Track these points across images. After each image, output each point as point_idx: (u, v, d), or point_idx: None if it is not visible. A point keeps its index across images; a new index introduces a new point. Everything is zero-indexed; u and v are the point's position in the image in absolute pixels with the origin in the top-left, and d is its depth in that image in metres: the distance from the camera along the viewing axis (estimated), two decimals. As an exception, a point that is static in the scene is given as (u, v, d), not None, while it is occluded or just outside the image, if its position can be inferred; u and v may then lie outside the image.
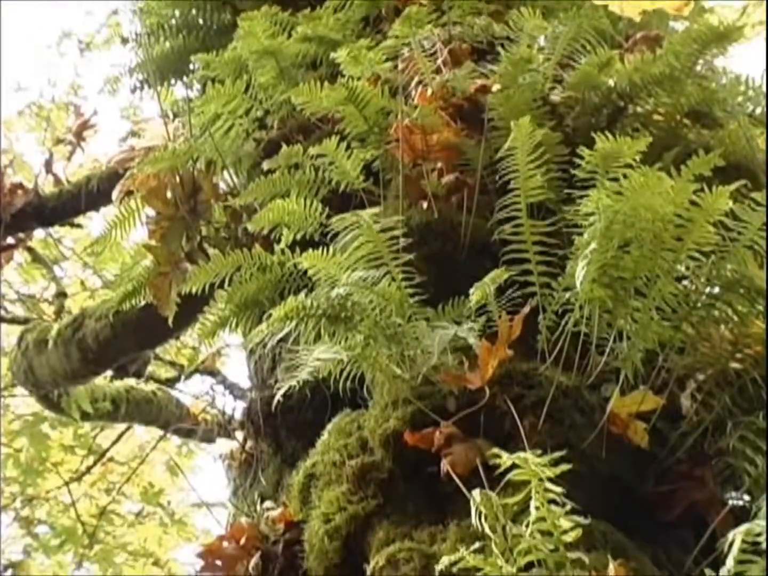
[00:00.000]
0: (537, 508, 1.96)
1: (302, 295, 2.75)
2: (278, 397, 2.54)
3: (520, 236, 2.79)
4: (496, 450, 2.04)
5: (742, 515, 2.34)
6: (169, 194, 3.96)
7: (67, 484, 8.71)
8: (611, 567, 1.94)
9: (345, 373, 2.72)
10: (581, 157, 2.70)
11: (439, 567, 2.00)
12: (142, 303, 4.17)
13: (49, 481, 9.27)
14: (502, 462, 2.01)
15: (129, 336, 4.73)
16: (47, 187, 6.16)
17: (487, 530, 2.03)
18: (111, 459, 9.64)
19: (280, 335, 2.69)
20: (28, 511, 9.49)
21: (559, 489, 1.96)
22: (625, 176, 2.48)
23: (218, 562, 2.90)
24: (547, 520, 1.94)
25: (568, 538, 1.95)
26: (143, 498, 9.83)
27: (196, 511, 9.58)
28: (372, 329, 2.63)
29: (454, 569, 2.12)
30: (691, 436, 2.48)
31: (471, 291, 2.70)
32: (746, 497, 2.44)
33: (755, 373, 2.43)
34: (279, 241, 3.38)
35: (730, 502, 2.42)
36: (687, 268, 2.50)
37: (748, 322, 2.45)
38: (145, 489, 9.73)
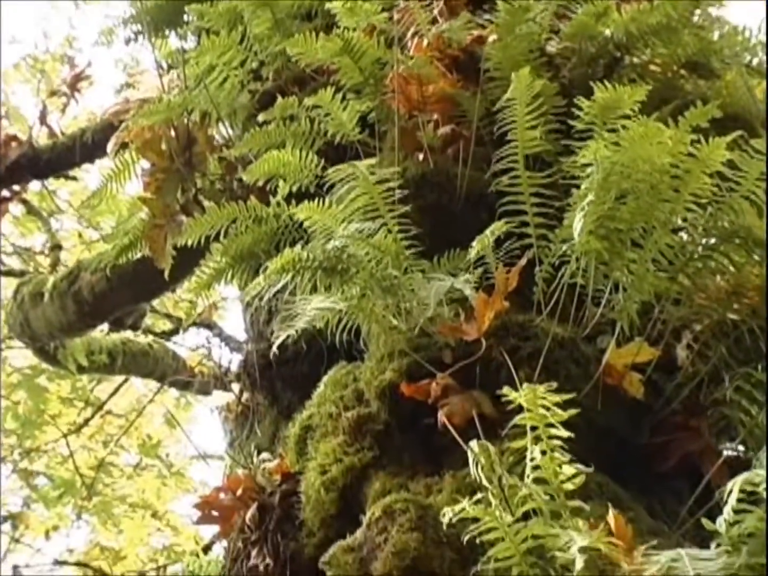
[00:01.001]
0: (542, 453, 1.94)
1: (298, 247, 2.74)
2: (276, 345, 2.52)
3: (517, 188, 2.77)
4: (507, 389, 2.02)
5: (736, 466, 2.33)
6: (164, 146, 3.93)
7: (65, 436, 8.72)
8: (610, 514, 1.93)
9: (341, 325, 2.71)
10: (578, 109, 2.66)
11: (445, 520, 1.99)
12: (138, 256, 4.15)
13: (48, 433, 9.29)
14: (513, 397, 1.99)
15: (125, 289, 4.71)
16: (42, 140, 6.12)
17: (483, 481, 2.02)
18: (109, 412, 9.66)
19: (277, 288, 2.68)
20: (27, 463, 9.52)
21: (565, 434, 1.95)
22: (623, 127, 2.45)
23: (215, 513, 2.91)
24: (548, 468, 1.93)
25: (570, 486, 1.94)
26: (141, 450, 9.87)
27: (194, 463, 9.63)
28: (368, 281, 2.61)
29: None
30: (687, 387, 2.48)
31: (473, 243, 2.67)
32: (741, 448, 2.44)
33: (752, 323, 2.42)
34: (275, 193, 3.35)
35: (725, 452, 2.42)
36: (684, 219, 2.47)
37: (744, 273, 2.43)
38: (144, 441, 9.76)
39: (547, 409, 1.99)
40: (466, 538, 1.99)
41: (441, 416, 2.48)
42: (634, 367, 2.49)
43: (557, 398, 1.99)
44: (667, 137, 2.38)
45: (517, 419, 2.04)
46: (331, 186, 2.93)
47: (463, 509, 1.95)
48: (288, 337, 2.53)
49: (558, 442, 1.99)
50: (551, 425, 1.99)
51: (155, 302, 7.77)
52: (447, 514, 1.99)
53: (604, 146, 2.39)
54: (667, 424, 2.47)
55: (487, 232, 2.67)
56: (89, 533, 9.82)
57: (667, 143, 2.38)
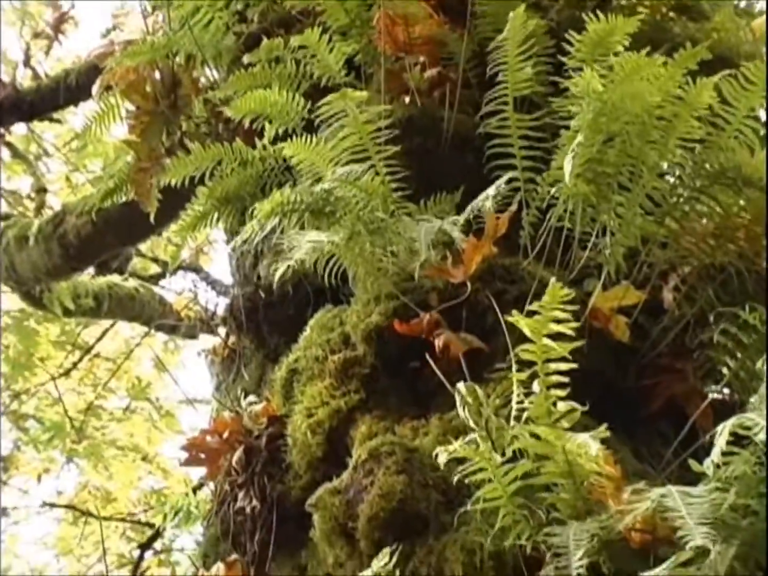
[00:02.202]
0: (539, 390, 1.92)
1: (286, 189, 2.71)
2: (277, 278, 2.48)
3: (506, 131, 2.72)
4: (515, 313, 2.00)
5: (721, 408, 2.33)
6: (148, 89, 3.86)
7: (53, 379, 8.70)
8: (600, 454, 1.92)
9: (329, 268, 2.68)
10: (568, 48, 2.61)
11: (441, 459, 1.98)
12: (124, 199, 4.10)
13: (38, 376, 9.27)
14: (517, 322, 1.97)
15: (110, 232, 4.67)
16: (26, 82, 6.02)
17: (471, 423, 2.01)
18: (97, 355, 9.63)
19: (265, 232, 2.65)
20: (16, 406, 9.51)
21: (566, 366, 1.93)
22: (616, 60, 2.39)
23: (202, 456, 2.89)
24: (541, 406, 1.90)
25: (565, 424, 1.92)
26: (130, 394, 9.86)
27: (183, 406, 9.63)
28: (355, 224, 2.58)
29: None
30: (673, 331, 2.46)
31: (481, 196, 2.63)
32: (726, 390, 2.43)
33: (739, 265, 2.40)
34: (260, 136, 3.30)
35: (710, 395, 2.40)
36: (671, 163, 2.44)
37: (732, 215, 2.40)
38: (133, 384, 9.75)
39: (552, 338, 1.97)
40: (455, 478, 1.97)
41: (438, 343, 2.47)
42: (620, 310, 2.47)
43: (562, 327, 1.97)
44: (659, 71, 2.33)
45: (518, 349, 2.01)
46: (319, 125, 2.88)
47: (455, 450, 1.93)
48: (283, 274, 2.49)
49: (555, 378, 1.98)
50: (550, 360, 1.96)
51: (142, 246, 7.73)
52: (440, 455, 1.97)
53: (596, 79, 2.33)
54: (652, 367, 2.46)
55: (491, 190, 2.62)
56: (78, 476, 9.84)
57: (659, 79, 2.33)
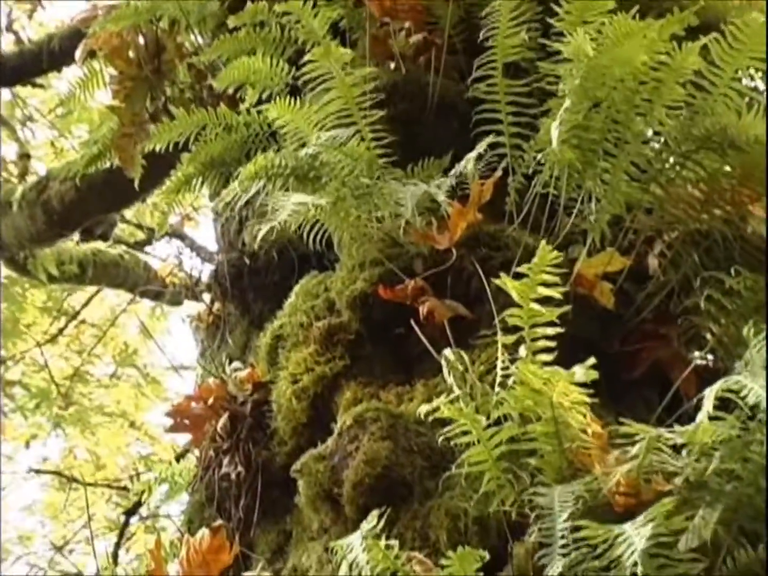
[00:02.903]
0: (526, 355, 1.91)
1: (270, 152, 2.68)
2: (259, 238, 2.46)
3: (494, 96, 2.69)
4: (503, 276, 1.98)
5: (705, 374, 2.32)
6: (132, 54, 3.82)
7: (39, 345, 8.66)
8: (589, 418, 1.91)
9: (313, 234, 2.65)
10: (558, 10, 2.58)
11: (418, 411, 1.97)
12: (108, 165, 4.06)
13: (25, 342, 9.23)
14: (505, 286, 1.95)
15: (94, 198, 4.63)
16: (8, 47, 5.96)
17: (455, 388, 2.00)
18: (83, 321, 9.59)
19: (249, 195, 2.62)
20: (3, 372, 9.47)
21: (553, 330, 1.92)
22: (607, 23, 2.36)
23: (186, 422, 2.88)
24: (525, 372, 1.89)
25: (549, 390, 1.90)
26: (116, 360, 9.83)
27: (170, 373, 9.61)
28: (340, 189, 2.55)
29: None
30: (658, 297, 2.45)
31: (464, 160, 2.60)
32: (710, 356, 2.42)
33: (724, 232, 2.38)
34: (245, 101, 3.26)
35: (694, 361, 2.39)
36: (657, 131, 2.41)
37: (718, 180, 2.38)
38: (121, 351, 9.72)
39: (539, 303, 1.95)
40: (440, 440, 1.97)
41: (423, 310, 2.45)
42: (605, 276, 2.46)
43: (549, 291, 1.96)
44: (650, 36, 2.29)
45: (505, 314, 2.00)
46: (304, 91, 2.85)
47: (438, 408, 1.92)
48: (267, 238, 2.47)
49: (542, 343, 1.96)
50: (536, 325, 1.95)
51: (128, 213, 7.68)
52: (422, 411, 1.96)
53: (587, 42, 2.30)
54: (637, 333, 2.45)
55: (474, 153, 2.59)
56: (64, 442, 9.82)
57: (646, 38, 2.30)
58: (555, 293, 1.98)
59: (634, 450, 1.79)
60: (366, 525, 1.90)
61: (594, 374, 1.84)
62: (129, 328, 9.93)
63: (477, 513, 2.06)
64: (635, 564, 1.51)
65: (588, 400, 1.88)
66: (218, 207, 2.78)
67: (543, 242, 1.95)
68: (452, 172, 2.59)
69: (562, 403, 1.86)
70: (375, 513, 1.91)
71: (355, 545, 1.87)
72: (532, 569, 1.89)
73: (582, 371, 1.82)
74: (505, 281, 1.96)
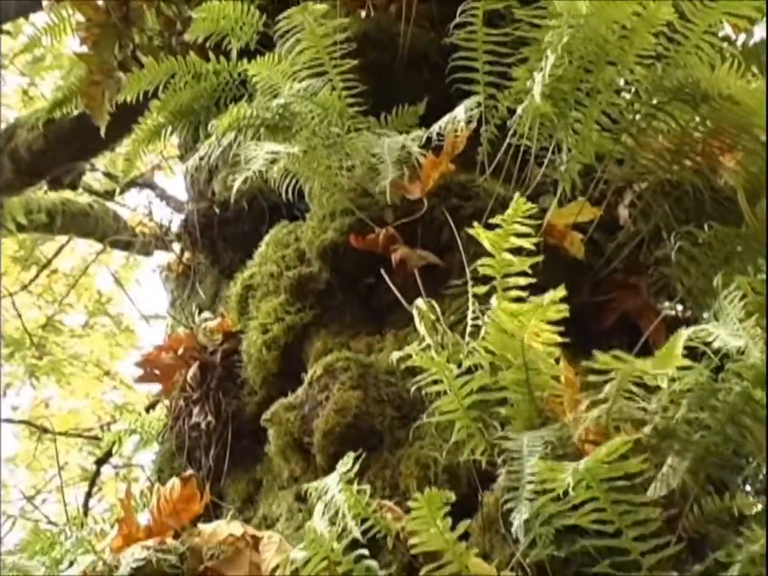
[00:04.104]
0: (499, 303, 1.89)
1: (243, 104, 2.64)
2: (236, 186, 2.42)
3: (472, 44, 2.64)
4: (476, 226, 1.95)
5: (674, 324, 2.31)
6: (99, 0, 3.73)
7: (11, 294, 8.58)
8: (561, 365, 1.90)
9: (285, 183, 2.61)
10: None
11: (390, 359, 1.95)
12: (76, 113, 3.99)
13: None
14: (478, 236, 1.93)
15: (62, 147, 4.55)
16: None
17: (427, 338, 1.98)
18: (55, 271, 9.51)
19: (221, 148, 2.58)
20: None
21: (525, 281, 1.90)
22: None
23: (156, 372, 2.85)
24: (498, 321, 1.87)
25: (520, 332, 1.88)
26: (89, 311, 9.76)
27: (142, 323, 9.54)
28: (311, 138, 2.52)
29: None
30: (628, 247, 2.43)
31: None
32: (679, 307, 2.41)
33: (695, 182, 2.36)
34: (214, 50, 3.20)
35: (664, 311, 2.39)
36: (628, 80, 2.38)
37: (689, 131, 2.36)
38: (95, 300, 9.65)
39: (512, 252, 1.93)
40: (412, 390, 1.95)
41: (395, 258, 2.44)
42: (575, 226, 2.44)
43: (524, 241, 1.93)
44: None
45: (477, 263, 1.98)
46: (276, 38, 2.80)
47: (410, 356, 1.90)
48: (239, 188, 2.43)
49: (514, 293, 1.95)
50: (508, 275, 1.93)
51: (101, 163, 7.58)
52: (393, 358, 1.94)
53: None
54: (607, 283, 2.44)
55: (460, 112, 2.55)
56: (35, 392, 9.77)
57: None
58: (527, 244, 1.96)
59: (604, 391, 1.78)
60: (342, 467, 1.89)
61: (563, 292, 1.79)
62: (102, 278, 9.86)
63: (447, 462, 2.05)
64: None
65: (559, 339, 1.86)
66: (192, 160, 2.73)
67: (517, 194, 1.93)
68: (435, 127, 2.56)
69: (533, 347, 1.83)
70: (351, 455, 1.90)
71: (331, 486, 1.85)
72: (500, 516, 1.88)
73: (550, 294, 1.78)
74: (478, 231, 1.93)
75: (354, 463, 1.89)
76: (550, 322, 1.83)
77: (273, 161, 2.43)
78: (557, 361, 1.89)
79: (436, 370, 1.86)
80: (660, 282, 2.38)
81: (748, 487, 1.88)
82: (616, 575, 1.65)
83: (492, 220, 1.96)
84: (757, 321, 1.84)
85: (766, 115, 2.21)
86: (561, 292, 1.78)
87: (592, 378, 1.80)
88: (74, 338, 9.78)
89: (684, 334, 1.69)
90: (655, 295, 2.41)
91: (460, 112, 2.49)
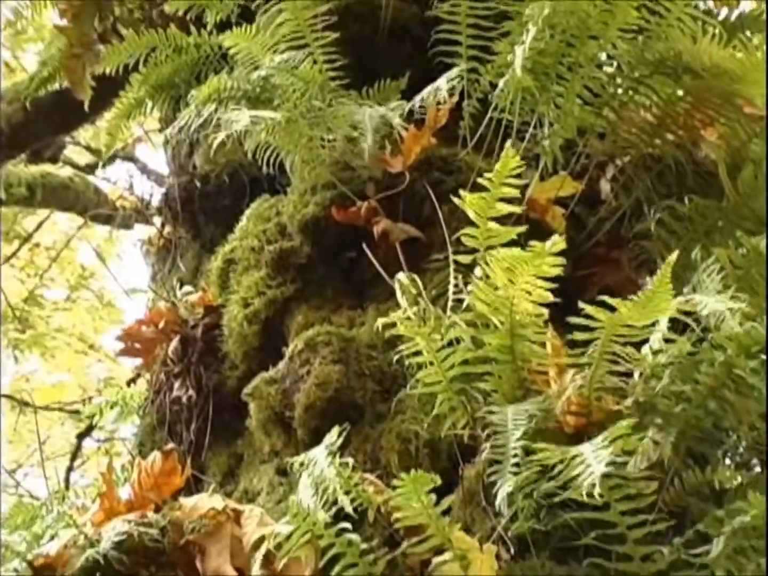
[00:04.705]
0: (486, 277, 1.86)
1: (224, 75, 2.61)
2: (215, 146, 2.39)
3: (455, 17, 2.60)
4: (463, 194, 1.92)
5: (655, 299, 2.30)
6: (78, -28, 3.68)
7: (-7, 267, 8.50)
8: (548, 334, 1.88)
9: (266, 156, 2.58)
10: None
11: (375, 325, 1.93)
12: (57, 86, 3.93)
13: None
14: (463, 204, 1.90)
15: (42, 120, 4.49)
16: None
17: (409, 311, 1.96)
18: (37, 245, 9.44)
19: (201, 120, 2.55)
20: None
21: (509, 253, 1.87)
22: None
23: (137, 346, 2.82)
24: (482, 293, 1.84)
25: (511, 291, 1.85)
26: (70, 284, 9.70)
27: (126, 298, 9.47)
28: (292, 111, 2.48)
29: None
30: (609, 221, 2.42)
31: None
32: (660, 280, 2.39)
33: (677, 156, 2.34)
34: (194, 22, 3.15)
35: (644, 285, 2.37)
36: (613, 46, 2.35)
37: (671, 105, 2.34)
38: (79, 275, 9.59)
39: (498, 222, 1.90)
40: (395, 360, 1.93)
41: (377, 231, 2.42)
42: (557, 200, 2.42)
43: (511, 207, 1.91)
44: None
45: (461, 233, 1.96)
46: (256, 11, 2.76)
47: (393, 324, 1.88)
48: (218, 155, 2.40)
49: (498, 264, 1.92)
50: (492, 246, 1.90)
51: (81, 136, 7.49)
52: (378, 324, 1.92)
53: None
54: (588, 257, 2.42)
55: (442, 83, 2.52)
56: (17, 366, 9.72)
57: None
58: (514, 209, 1.93)
59: (587, 354, 1.76)
60: (327, 440, 1.87)
61: (563, 244, 1.76)
62: (85, 252, 9.79)
63: (428, 436, 2.04)
64: (593, 485, 1.49)
65: (551, 297, 1.83)
66: (171, 131, 2.69)
67: (508, 143, 1.90)
68: (417, 98, 2.53)
69: (522, 308, 1.81)
70: (336, 429, 1.88)
71: (318, 459, 1.83)
72: (482, 490, 1.87)
73: (552, 242, 1.75)
74: (464, 197, 1.91)
75: (339, 437, 1.87)
76: (544, 278, 1.79)
77: (254, 124, 2.39)
78: (545, 323, 1.86)
79: (419, 340, 1.84)
80: (641, 256, 2.36)
81: (728, 461, 1.88)
82: (599, 548, 1.64)
83: (480, 180, 1.92)
84: (736, 293, 1.84)
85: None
86: (561, 242, 1.74)
87: (577, 336, 1.78)
88: (57, 312, 9.72)
89: (669, 268, 1.67)
90: (636, 270, 2.39)
91: (442, 82, 2.46)
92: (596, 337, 1.76)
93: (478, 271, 1.90)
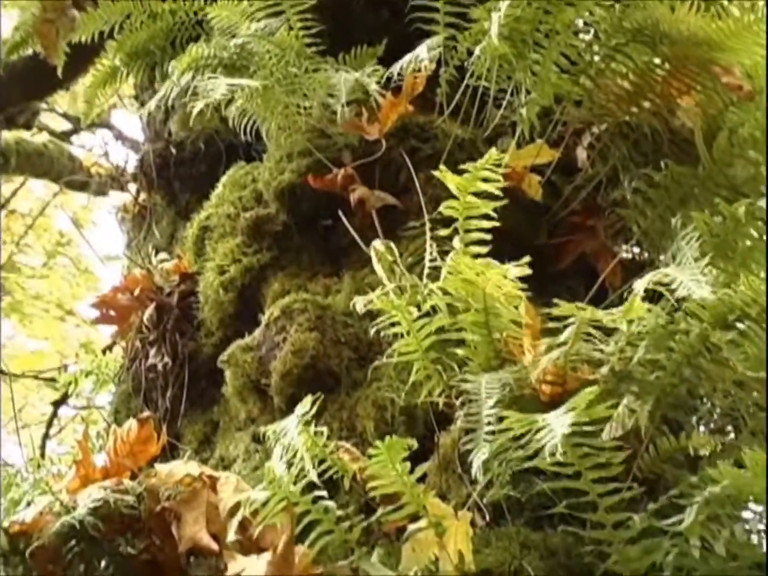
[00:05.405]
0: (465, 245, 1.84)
1: (201, 44, 2.57)
2: (195, 112, 2.35)
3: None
4: (443, 168, 1.90)
5: (631, 266, 2.29)
6: (53, -65, 3.60)
7: (-32, 236, 8.43)
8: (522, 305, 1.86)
9: (242, 123, 2.54)
10: None
11: (359, 307, 1.90)
12: (30, 51, 3.86)
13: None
14: (444, 179, 1.88)
15: (15, 85, 4.40)
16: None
17: (385, 279, 1.94)
18: (13, 211, 9.35)
19: (180, 88, 2.51)
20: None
21: (489, 224, 1.86)
22: None
23: (112, 313, 2.79)
24: (457, 263, 1.82)
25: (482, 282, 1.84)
26: (47, 251, 9.63)
27: (102, 264, 9.40)
28: (268, 78, 2.45)
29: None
30: (585, 189, 2.40)
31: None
32: (635, 249, 2.38)
33: (654, 123, 2.32)
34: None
35: (620, 253, 2.36)
36: (590, 13, 2.33)
37: (647, 73, 2.31)
38: (57, 242, 9.51)
39: (479, 196, 1.88)
40: (372, 332, 1.91)
41: (353, 198, 2.40)
42: (533, 168, 2.40)
43: (491, 186, 1.89)
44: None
45: (442, 206, 1.94)
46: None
47: (371, 301, 1.86)
48: (195, 120, 2.37)
49: (477, 235, 1.90)
50: (471, 217, 1.88)
51: (58, 104, 7.40)
52: (358, 304, 1.90)
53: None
54: (564, 225, 2.41)
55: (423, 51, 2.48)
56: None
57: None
58: (495, 189, 1.91)
59: (563, 335, 1.75)
60: (300, 409, 1.85)
61: (527, 270, 1.78)
62: (62, 219, 9.71)
63: (404, 404, 2.03)
64: (556, 451, 1.48)
65: (522, 294, 1.83)
66: (150, 101, 2.65)
67: (493, 150, 1.90)
68: (396, 66, 2.49)
69: (495, 295, 1.80)
70: (308, 399, 1.86)
71: (290, 429, 1.82)
72: (457, 457, 1.86)
73: (517, 269, 1.77)
74: (445, 174, 1.89)
75: (312, 406, 1.85)
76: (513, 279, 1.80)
77: (232, 91, 2.36)
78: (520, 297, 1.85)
79: (396, 313, 1.82)
80: (617, 224, 2.35)
81: (702, 428, 1.88)
82: (573, 515, 1.63)
83: (461, 167, 1.90)
84: (712, 261, 1.82)
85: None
86: (526, 270, 1.76)
87: (551, 325, 1.77)
88: (34, 279, 9.65)
89: (645, 279, 1.66)
90: (612, 237, 2.38)
91: (422, 50, 2.43)
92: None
93: (456, 242, 1.88)
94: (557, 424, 1.52)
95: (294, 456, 1.77)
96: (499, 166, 1.90)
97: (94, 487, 2.06)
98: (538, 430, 1.55)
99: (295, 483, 1.72)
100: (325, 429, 1.83)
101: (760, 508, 1.60)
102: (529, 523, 1.77)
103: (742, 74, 2.32)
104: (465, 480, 1.83)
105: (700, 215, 1.92)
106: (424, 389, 1.90)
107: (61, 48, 3.47)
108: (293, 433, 1.80)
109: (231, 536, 1.85)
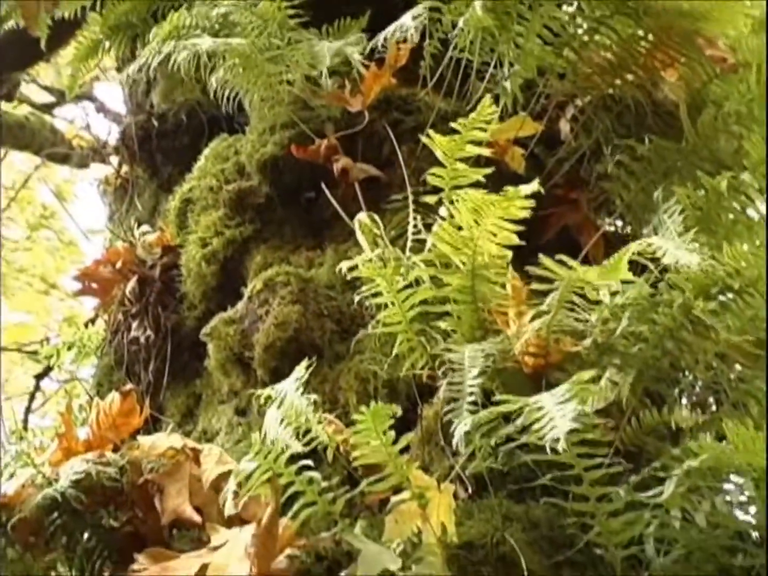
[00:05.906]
0: (451, 217, 1.81)
1: (183, 11, 2.54)
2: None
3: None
4: (432, 134, 1.87)
5: (613, 239, 2.28)
6: None
7: (-49, 210, 8.36)
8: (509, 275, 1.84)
9: (225, 95, 2.51)
10: None
11: (334, 265, 1.88)
12: (12, 24, 3.81)
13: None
14: (432, 144, 1.85)
15: (-3, 57, 4.36)
16: None
17: (368, 251, 1.92)
18: (-6, 182, 9.27)
19: (161, 57, 2.48)
20: None
21: (478, 194, 1.83)
22: None
23: (94, 286, 2.76)
24: (445, 232, 1.80)
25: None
26: (30, 224, 9.57)
27: (86, 239, 9.35)
28: (251, 48, 2.42)
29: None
30: (569, 162, 2.38)
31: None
32: (618, 222, 2.37)
33: (637, 96, 2.31)
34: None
35: (603, 226, 2.35)
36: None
37: (631, 45, 2.29)
38: (40, 215, 9.45)
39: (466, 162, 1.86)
40: (356, 300, 1.89)
41: (337, 168, 2.38)
42: (516, 141, 2.39)
43: (480, 150, 1.88)
44: None
45: (427, 173, 1.92)
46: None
47: (356, 266, 1.84)
48: (177, 95, 2.34)
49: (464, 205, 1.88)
50: (458, 186, 1.86)
51: (44, 80, 7.33)
52: (342, 267, 1.88)
53: None
54: (547, 198, 2.35)
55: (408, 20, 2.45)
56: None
57: None
58: (483, 151, 1.89)
59: (546, 302, 1.73)
60: (296, 373, 1.83)
61: (537, 187, 1.75)
62: (45, 192, 9.63)
63: (387, 376, 2.02)
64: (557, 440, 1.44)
65: (516, 239, 1.79)
66: (131, 70, 2.62)
67: (487, 96, 1.87)
68: (381, 36, 2.46)
69: (485, 250, 1.77)
70: (304, 363, 1.83)
71: (289, 392, 1.79)
72: (440, 429, 1.85)
73: (529, 186, 1.73)
74: (433, 138, 1.86)
75: (307, 370, 1.82)
76: (511, 221, 1.76)
77: (214, 47, 2.33)
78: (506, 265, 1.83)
79: (380, 281, 1.80)
80: (600, 197, 2.33)
81: (684, 400, 1.87)
82: (556, 488, 1.62)
83: (452, 125, 1.87)
84: (696, 234, 1.81)
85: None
86: (535, 186, 1.72)
87: (535, 286, 1.75)
88: (18, 252, 9.59)
89: (631, 247, 1.64)
90: (595, 211, 2.37)
91: (407, 20, 2.40)
92: (554, 288, 1.73)
93: (443, 211, 1.86)
94: (557, 413, 1.48)
95: (294, 419, 1.74)
96: (489, 123, 1.86)
97: (77, 460, 2.04)
98: (532, 414, 1.52)
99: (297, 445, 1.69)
100: (314, 397, 1.81)
101: (740, 480, 1.59)
102: (511, 496, 1.76)
103: (726, 47, 2.30)
104: (448, 452, 1.81)
105: (683, 189, 1.91)
106: (407, 361, 1.88)
107: (43, 20, 3.42)
108: (293, 397, 1.77)
109: (229, 508, 1.81)
